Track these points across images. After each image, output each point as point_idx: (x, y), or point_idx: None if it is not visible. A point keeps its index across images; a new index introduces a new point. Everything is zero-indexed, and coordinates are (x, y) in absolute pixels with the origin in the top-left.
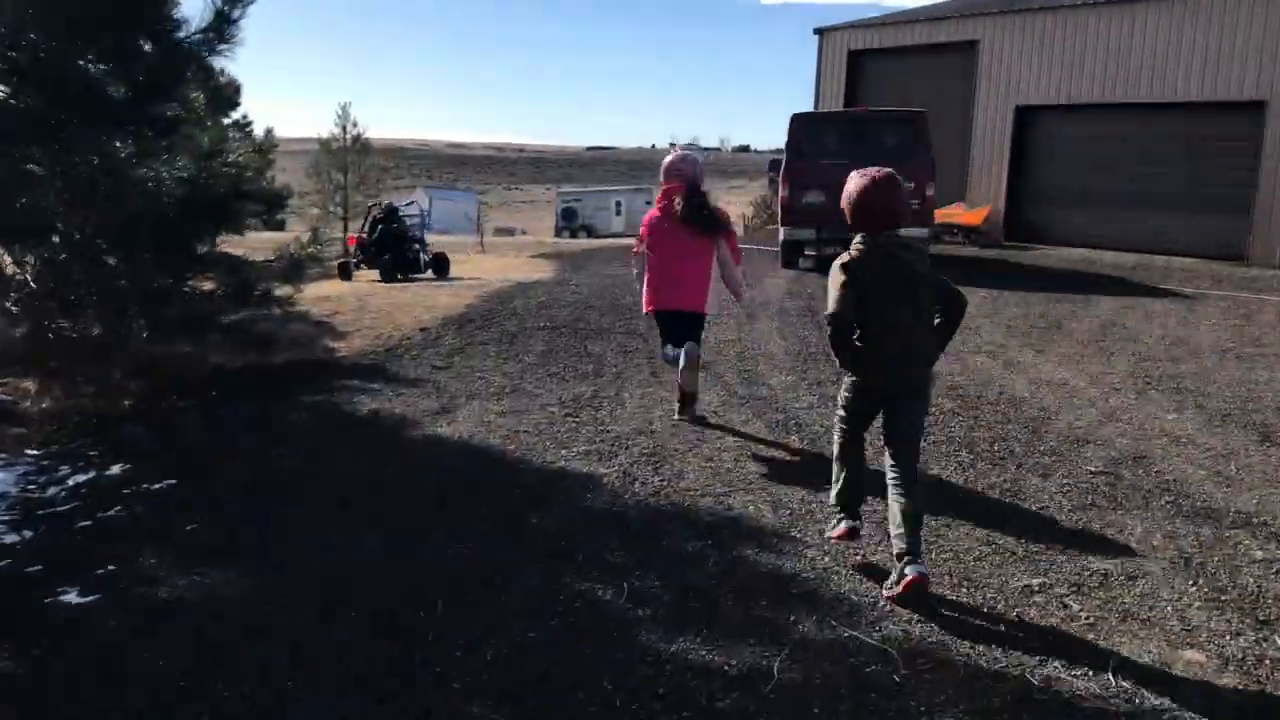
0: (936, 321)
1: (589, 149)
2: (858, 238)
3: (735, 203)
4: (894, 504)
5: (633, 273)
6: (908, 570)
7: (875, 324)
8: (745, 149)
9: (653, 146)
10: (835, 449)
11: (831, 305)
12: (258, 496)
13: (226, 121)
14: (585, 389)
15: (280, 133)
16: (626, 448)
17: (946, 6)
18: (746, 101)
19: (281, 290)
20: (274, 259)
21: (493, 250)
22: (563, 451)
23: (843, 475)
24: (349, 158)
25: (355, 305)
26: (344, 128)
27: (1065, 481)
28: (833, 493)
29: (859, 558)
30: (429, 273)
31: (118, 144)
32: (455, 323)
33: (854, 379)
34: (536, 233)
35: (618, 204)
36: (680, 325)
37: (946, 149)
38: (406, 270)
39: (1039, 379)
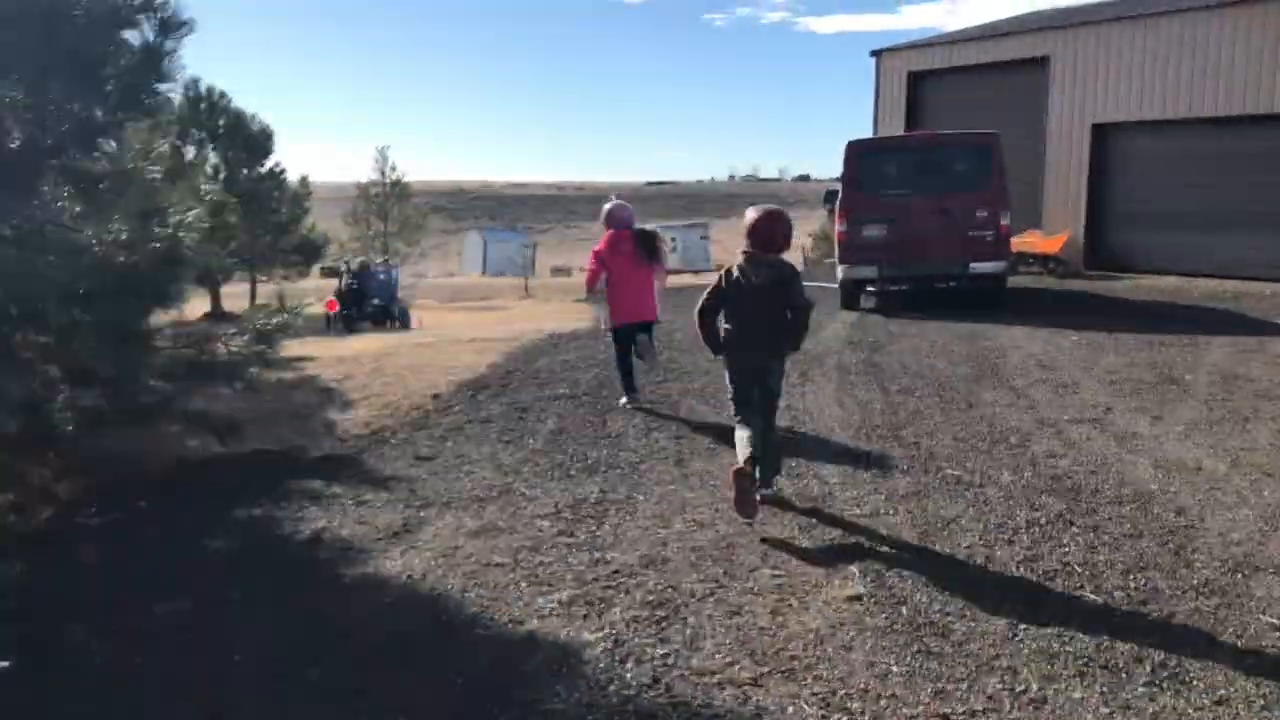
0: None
1: (648, 184)
2: (740, 254)
3: (798, 230)
4: (762, 448)
5: (596, 297)
6: (765, 490)
7: (734, 320)
8: (805, 178)
9: (712, 179)
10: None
11: (699, 303)
12: (86, 699)
13: (262, 170)
14: (591, 488)
15: (332, 178)
16: (627, 590)
17: (1012, 22)
18: (804, 130)
19: (251, 368)
20: (232, 332)
21: (539, 293)
22: (539, 600)
23: (745, 434)
24: (388, 203)
25: (371, 366)
26: (382, 172)
27: (1238, 641)
28: (738, 439)
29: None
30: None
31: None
32: (469, 388)
33: (725, 361)
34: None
35: (673, 240)
36: (640, 330)
37: (1017, 173)
38: (367, 320)
39: (1164, 460)
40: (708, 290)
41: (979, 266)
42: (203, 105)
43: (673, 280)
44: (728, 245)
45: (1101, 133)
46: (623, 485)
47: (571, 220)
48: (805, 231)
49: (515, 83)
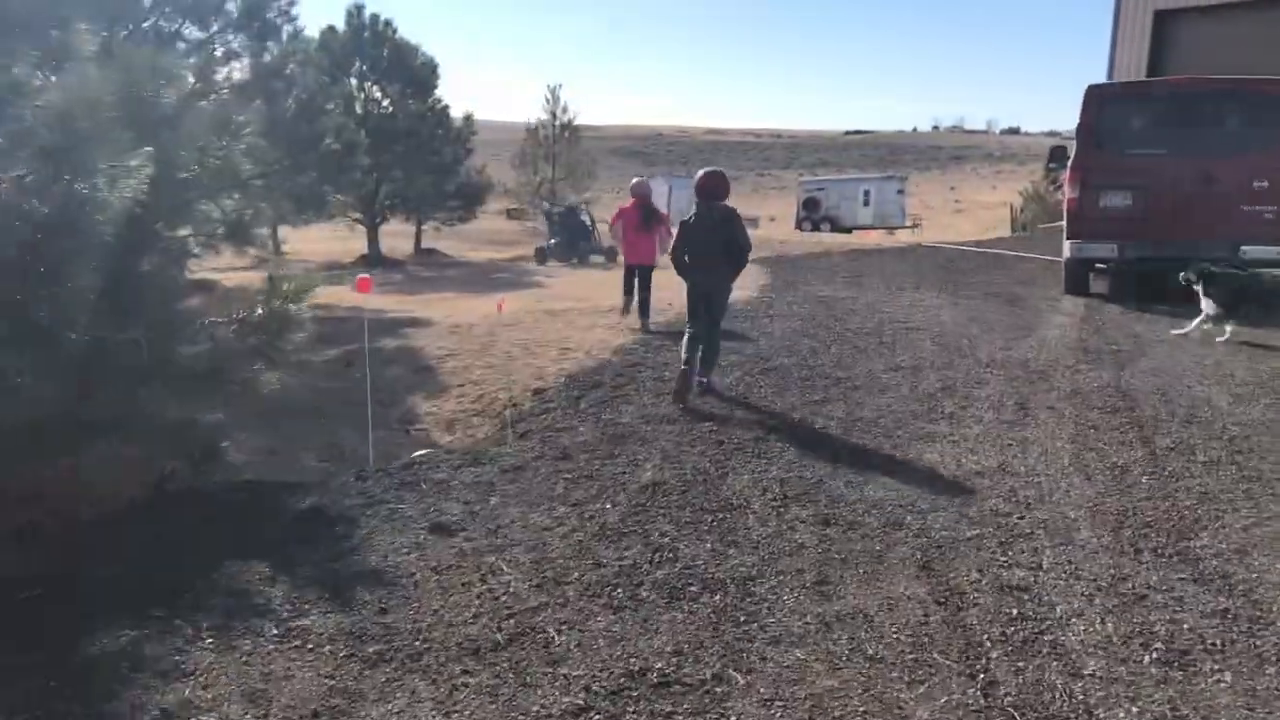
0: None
1: (846, 133)
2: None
3: (1001, 188)
4: (702, 353)
5: (614, 240)
6: (702, 380)
7: (691, 253)
8: (1014, 131)
9: (914, 129)
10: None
11: (671, 246)
12: None
13: (423, 106)
14: (659, 644)
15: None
16: None
17: None
18: (1017, 80)
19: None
20: (224, 321)
21: None
22: None
23: (689, 337)
24: (557, 146)
25: (484, 339)
26: (553, 113)
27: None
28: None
29: None
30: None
31: None
32: (578, 385)
33: (687, 283)
34: (779, 224)
35: (866, 193)
36: (642, 273)
37: None
38: (576, 255)
39: None
40: (675, 236)
41: (1253, 251)
42: (366, 34)
43: (856, 240)
44: (927, 199)
45: None
46: (715, 642)
47: (765, 168)
48: (1014, 189)
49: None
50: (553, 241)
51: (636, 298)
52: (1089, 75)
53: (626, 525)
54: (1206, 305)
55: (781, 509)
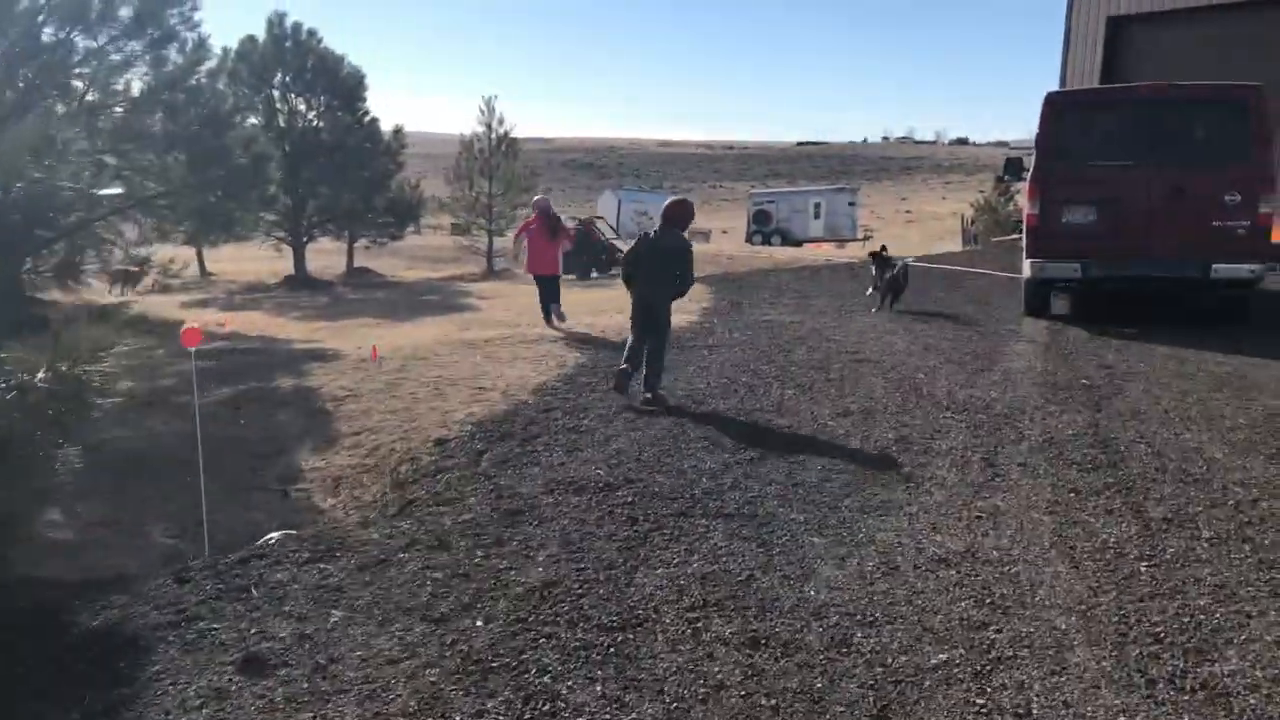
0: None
1: (798, 144)
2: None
3: (951, 198)
4: (646, 366)
5: (518, 254)
6: (647, 395)
7: (641, 269)
8: (963, 141)
9: (865, 141)
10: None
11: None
12: None
13: (350, 119)
14: None
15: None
16: None
17: None
18: (964, 92)
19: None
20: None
21: None
22: None
23: (628, 343)
24: (494, 160)
25: (394, 375)
26: (489, 125)
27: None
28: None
29: None
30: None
31: None
32: (485, 433)
33: (632, 295)
34: (730, 236)
35: (817, 206)
36: (548, 282)
37: None
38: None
39: None
40: (627, 254)
41: (1225, 269)
42: (288, 44)
43: (809, 253)
44: (878, 210)
45: None
46: None
47: (717, 180)
48: (964, 200)
49: (670, 40)
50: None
51: (542, 304)
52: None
53: (498, 655)
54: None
55: (700, 624)
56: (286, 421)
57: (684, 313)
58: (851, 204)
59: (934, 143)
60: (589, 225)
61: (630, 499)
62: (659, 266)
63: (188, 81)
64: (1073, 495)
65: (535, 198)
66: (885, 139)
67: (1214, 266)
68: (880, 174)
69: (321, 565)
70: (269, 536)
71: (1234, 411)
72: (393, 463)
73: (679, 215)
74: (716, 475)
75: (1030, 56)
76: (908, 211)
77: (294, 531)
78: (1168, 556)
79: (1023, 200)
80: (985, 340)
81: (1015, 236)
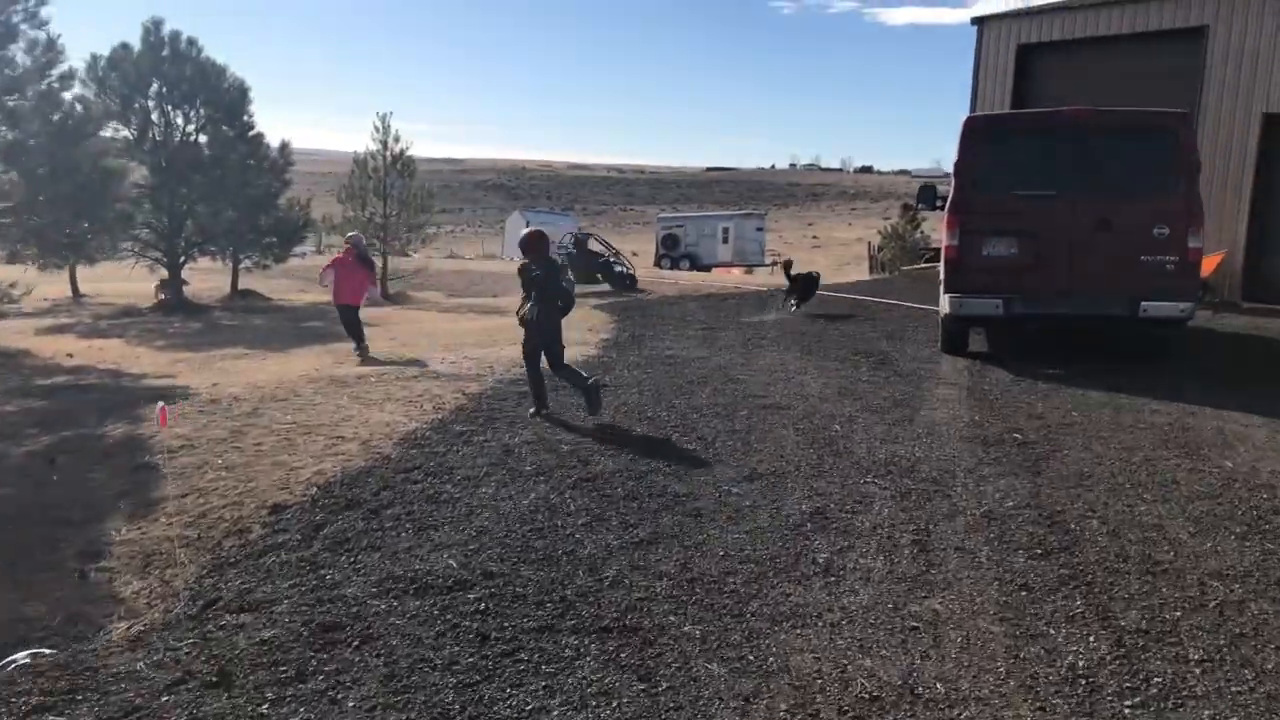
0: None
1: (708, 169)
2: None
3: (856, 224)
4: (579, 392)
5: (324, 286)
6: (591, 416)
7: (530, 306)
8: (868, 169)
9: (773, 167)
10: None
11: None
12: None
13: (232, 133)
14: None
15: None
16: None
17: None
18: (869, 121)
19: None
20: None
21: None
22: None
23: (533, 380)
24: (389, 179)
25: (242, 420)
26: (383, 143)
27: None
28: (532, 395)
29: None
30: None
31: None
32: (327, 504)
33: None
34: (640, 258)
35: (725, 230)
36: (351, 312)
37: None
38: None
39: None
40: (521, 285)
41: (1155, 307)
42: (165, 52)
43: (716, 279)
44: (786, 236)
45: (1276, 126)
46: None
47: (629, 204)
48: (869, 226)
49: (582, 64)
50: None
51: (352, 335)
52: (940, 114)
53: None
54: None
55: None
56: (104, 480)
57: (582, 345)
58: (759, 229)
59: (840, 170)
60: (582, 241)
61: (484, 604)
62: (544, 292)
63: (36, 86)
64: (1024, 594)
65: (350, 234)
66: (793, 166)
67: (1143, 304)
68: (788, 200)
69: (50, 719)
70: (9, 660)
71: (1188, 476)
72: (217, 536)
73: (537, 245)
74: (596, 566)
75: (933, 87)
76: (814, 237)
77: (46, 653)
78: (1154, 691)
79: (940, 230)
80: (903, 383)
81: (926, 265)
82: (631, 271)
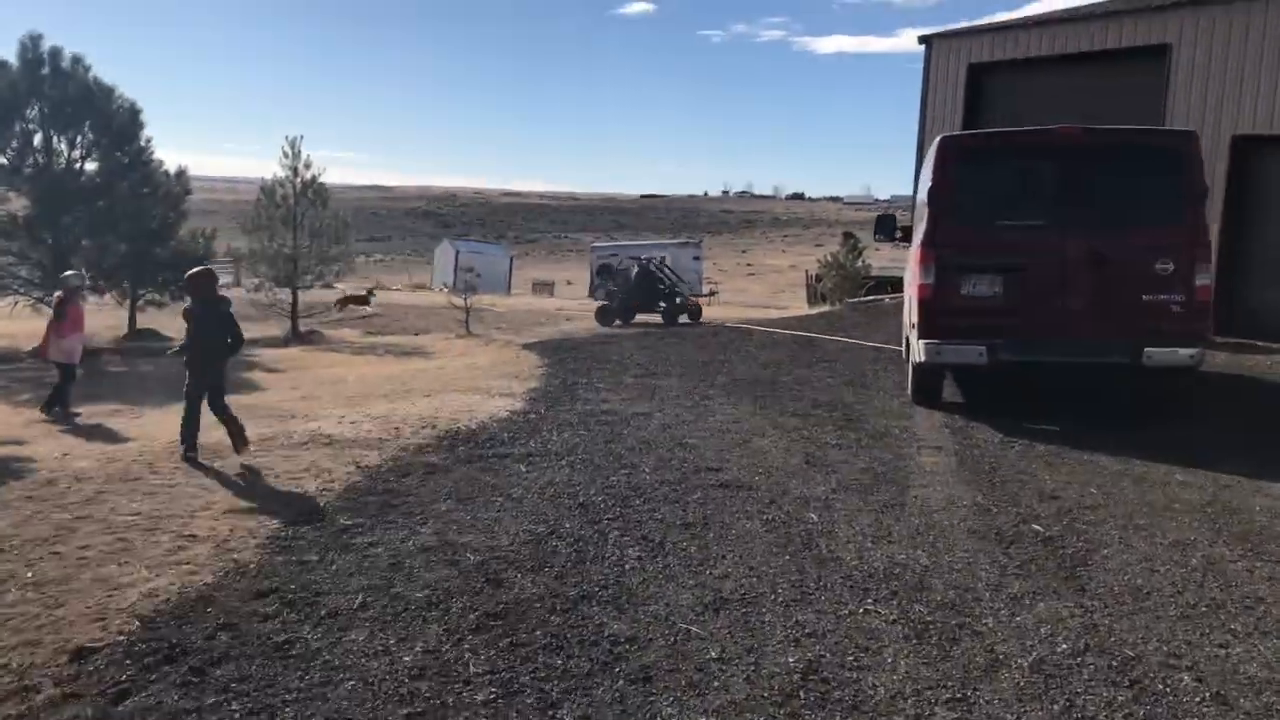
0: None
1: (642, 196)
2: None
3: (789, 251)
4: (229, 433)
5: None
6: (240, 453)
7: (196, 342)
8: (799, 196)
9: (705, 194)
10: (184, 407)
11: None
12: None
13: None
14: None
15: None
16: None
17: (1120, 2)
18: (800, 148)
19: None
20: None
21: (487, 322)
22: None
23: (186, 419)
24: (300, 209)
25: (78, 508)
26: (294, 169)
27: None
28: (185, 435)
29: None
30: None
31: None
32: (141, 655)
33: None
34: (575, 289)
35: (662, 260)
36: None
37: None
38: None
39: None
40: (187, 325)
41: (1159, 354)
42: (45, 71)
43: (643, 316)
44: (720, 263)
45: (1245, 150)
46: None
47: (562, 231)
48: (799, 253)
49: (515, 92)
50: (603, 300)
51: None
52: (867, 141)
53: None
54: None
55: None
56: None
57: (506, 397)
58: (696, 258)
59: (771, 197)
60: (646, 267)
61: None
62: (212, 333)
63: None
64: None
65: (67, 273)
66: (725, 193)
67: (1146, 350)
68: (721, 227)
69: None
70: None
71: (1270, 589)
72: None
73: (204, 284)
74: None
75: (861, 114)
76: (749, 265)
77: None
78: None
79: (889, 260)
80: (878, 447)
81: (876, 298)
82: (695, 303)
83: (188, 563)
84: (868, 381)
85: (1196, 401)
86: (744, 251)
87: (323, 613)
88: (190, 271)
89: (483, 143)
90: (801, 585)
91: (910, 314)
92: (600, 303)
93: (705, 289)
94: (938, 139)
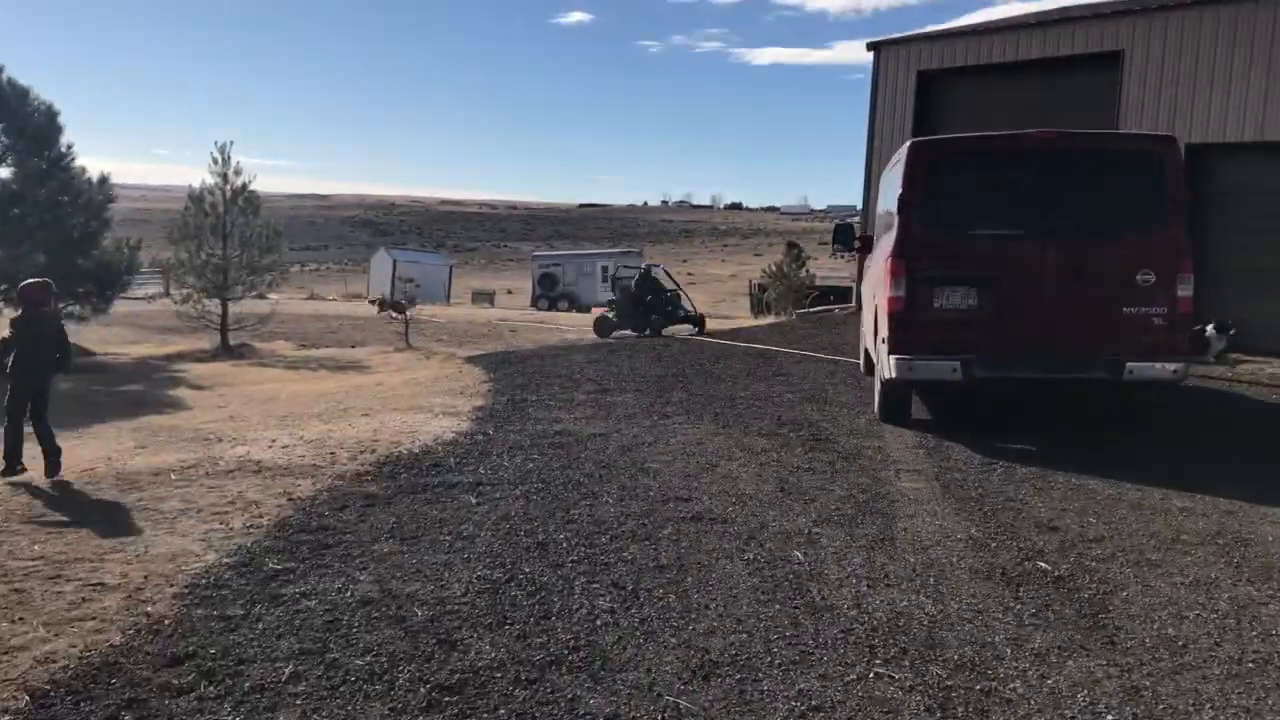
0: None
1: (581, 205)
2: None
3: (729, 261)
4: (43, 452)
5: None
6: (48, 477)
7: (21, 354)
8: (737, 206)
9: (645, 204)
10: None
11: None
12: None
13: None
14: None
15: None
16: None
17: (1072, 8)
18: (737, 159)
19: None
20: None
21: (427, 336)
22: None
23: (9, 436)
24: (230, 217)
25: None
26: (224, 176)
27: None
28: (5, 453)
29: None
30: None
31: None
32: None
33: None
34: (515, 299)
35: (604, 270)
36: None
37: None
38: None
39: None
40: (9, 334)
41: (1141, 368)
42: None
43: (577, 321)
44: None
45: (1198, 158)
46: None
47: (502, 240)
48: (738, 262)
49: (454, 101)
50: (611, 313)
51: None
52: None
53: None
54: None
55: None
56: None
57: (450, 416)
58: (636, 267)
59: (710, 207)
60: (648, 274)
61: None
62: (39, 349)
63: None
64: None
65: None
66: (664, 203)
67: (1128, 365)
68: (661, 236)
69: None
70: None
71: None
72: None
73: (40, 295)
74: None
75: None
76: (689, 274)
77: None
78: None
79: (835, 270)
80: (854, 470)
81: (825, 309)
82: (697, 312)
83: (94, 617)
84: (829, 397)
85: (1164, 415)
86: (685, 261)
87: (246, 686)
88: (24, 282)
89: (421, 151)
90: (798, 642)
91: (876, 327)
92: (599, 313)
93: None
94: (908, 144)
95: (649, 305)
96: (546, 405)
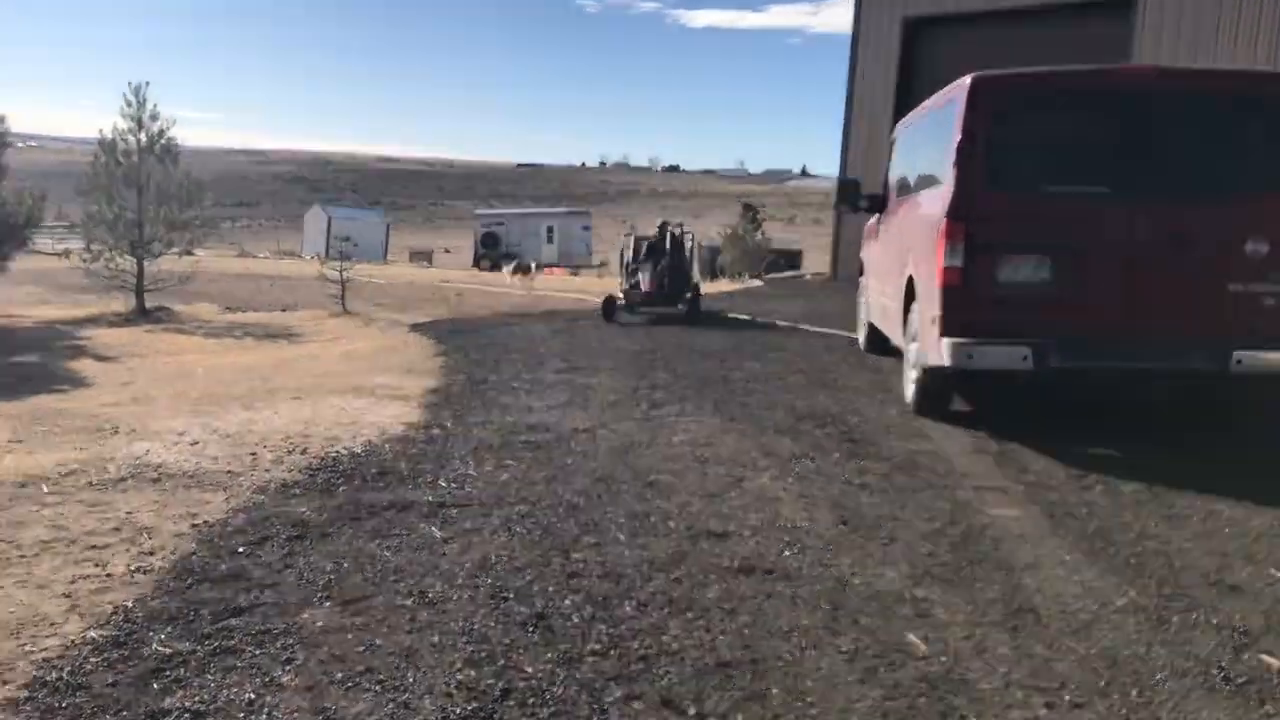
0: None
1: (519, 165)
2: None
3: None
4: None
5: None
6: None
7: None
8: (675, 169)
9: (582, 165)
10: None
11: None
12: None
13: None
14: None
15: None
16: None
17: None
18: (674, 121)
19: None
20: None
21: (376, 296)
22: None
23: None
24: (146, 168)
25: None
26: (138, 121)
27: None
28: None
29: None
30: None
31: None
32: None
33: None
34: (456, 255)
35: (549, 230)
36: None
37: None
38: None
39: None
40: None
41: (1253, 358)
42: None
43: (557, 288)
44: (606, 234)
45: None
46: None
47: (439, 199)
48: (714, 231)
49: (389, 55)
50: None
51: None
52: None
53: None
54: None
55: None
56: None
57: (398, 400)
58: (585, 228)
59: (649, 169)
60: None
61: None
62: None
63: None
64: None
65: None
66: (602, 164)
67: (1236, 354)
68: (600, 197)
69: None
70: None
71: None
72: None
73: None
74: None
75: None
76: (627, 234)
77: None
78: None
79: (909, 242)
80: (919, 487)
81: (796, 274)
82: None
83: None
84: (838, 381)
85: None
86: (623, 221)
87: None
88: None
89: (357, 107)
90: None
91: (909, 302)
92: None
93: (595, 260)
94: (968, 80)
95: (679, 276)
96: (511, 388)
